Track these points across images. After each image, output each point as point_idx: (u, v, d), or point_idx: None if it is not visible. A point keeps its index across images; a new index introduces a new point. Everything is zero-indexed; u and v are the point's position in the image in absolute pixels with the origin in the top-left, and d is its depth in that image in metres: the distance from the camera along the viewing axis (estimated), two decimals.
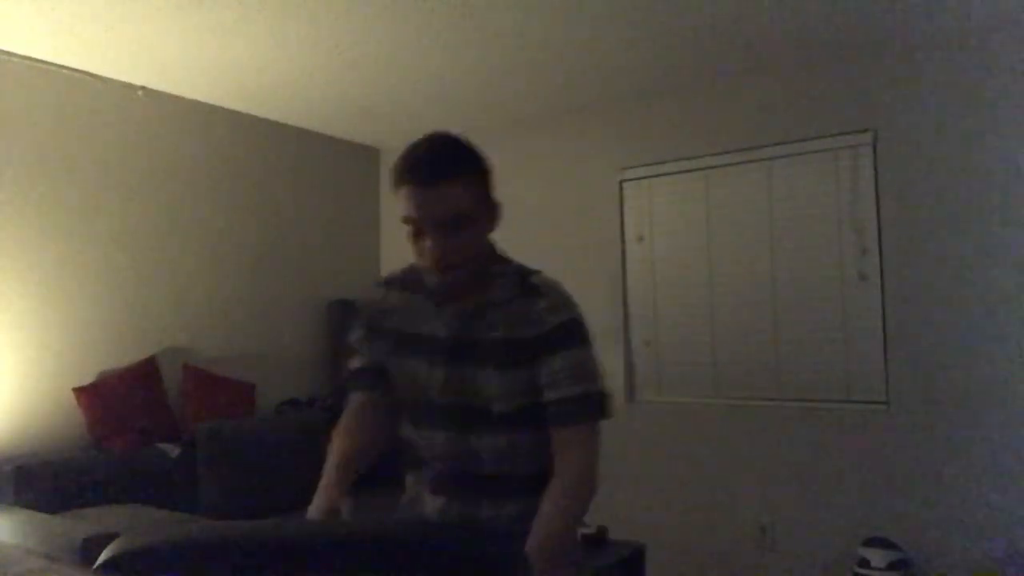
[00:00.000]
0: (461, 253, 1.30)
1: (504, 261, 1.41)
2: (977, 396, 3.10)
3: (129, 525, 2.63)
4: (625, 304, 4.01)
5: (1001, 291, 3.07)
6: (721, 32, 3.17)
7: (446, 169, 1.27)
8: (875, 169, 3.35)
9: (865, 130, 3.37)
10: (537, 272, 1.41)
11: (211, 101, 3.93)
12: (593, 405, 1.32)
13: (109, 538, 0.99)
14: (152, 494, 3.11)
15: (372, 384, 1.45)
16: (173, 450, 3.29)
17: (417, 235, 1.30)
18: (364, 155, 4.89)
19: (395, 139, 4.74)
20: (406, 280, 1.45)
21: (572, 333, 1.33)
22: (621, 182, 4.04)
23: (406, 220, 1.29)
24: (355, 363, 1.48)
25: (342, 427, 1.43)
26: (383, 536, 0.77)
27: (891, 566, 3.04)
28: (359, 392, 1.46)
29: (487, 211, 1.35)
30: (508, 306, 1.35)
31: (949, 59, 3.20)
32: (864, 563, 3.09)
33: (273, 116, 4.23)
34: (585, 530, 2.92)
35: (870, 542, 3.14)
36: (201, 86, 3.69)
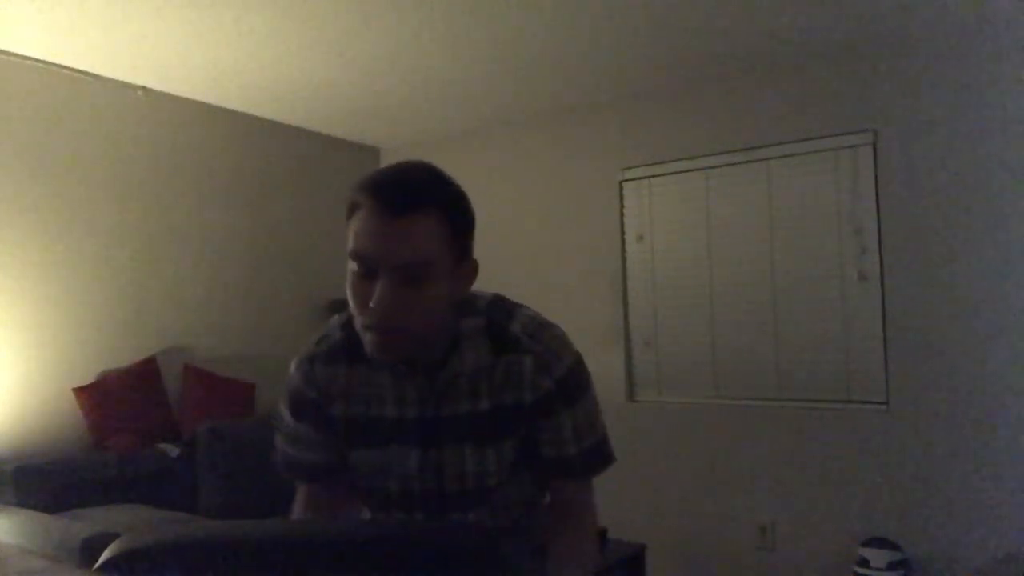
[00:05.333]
0: (412, 314, 1.01)
1: (472, 312, 1.14)
2: (977, 396, 3.10)
3: (129, 525, 2.62)
4: (625, 304, 4.01)
5: (1001, 291, 3.07)
6: (721, 32, 3.17)
7: (421, 197, 0.99)
8: (875, 169, 3.36)
9: (865, 130, 3.37)
10: (516, 313, 1.16)
11: (211, 101, 3.93)
12: (604, 454, 1.20)
13: (109, 538, 0.99)
14: (152, 494, 3.11)
15: (326, 474, 1.23)
16: (173, 450, 3.30)
17: (362, 279, 1.01)
18: (364, 155, 4.89)
19: (395, 139, 4.75)
20: (352, 350, 1.15)
21: (573, 387, 1.14)
22: (621, 182, 4.04)
23: (355, 256, 1.01)
24: (292, 450, 1.25)
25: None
26: (385, 536, 0.77)
27: (891, 566, 3.04)
28: (310, 484, 1.25)
29: (460, 268, 1.06)
30: (488, 372, 1.12)
31: (949, 59, 3.20)
32: (864, 563, 3.09)
33: (273, 116, 4.23)
34: None
35: (870, 542, 3.14)
36: (201, 86, 3.69)
